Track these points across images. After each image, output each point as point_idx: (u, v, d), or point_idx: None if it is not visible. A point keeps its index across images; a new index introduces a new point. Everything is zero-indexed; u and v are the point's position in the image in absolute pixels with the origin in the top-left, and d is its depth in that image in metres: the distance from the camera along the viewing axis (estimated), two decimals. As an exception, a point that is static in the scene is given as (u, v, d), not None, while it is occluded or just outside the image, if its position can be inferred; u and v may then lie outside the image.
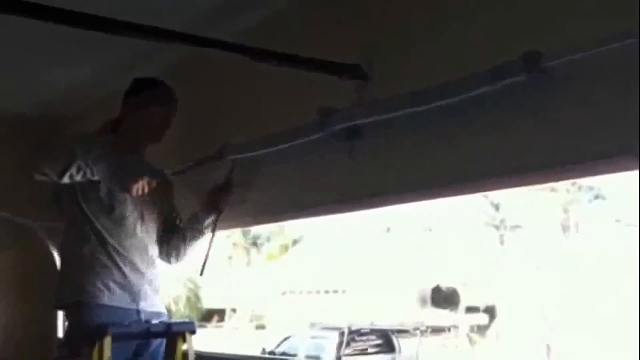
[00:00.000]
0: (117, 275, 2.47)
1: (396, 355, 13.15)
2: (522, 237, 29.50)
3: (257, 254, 31.52)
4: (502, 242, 30.61)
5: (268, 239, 31.17)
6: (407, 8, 2.19)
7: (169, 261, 2.73)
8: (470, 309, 24.79)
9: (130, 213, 2.55)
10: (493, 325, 22.81)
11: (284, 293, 28.66)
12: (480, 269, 26.43)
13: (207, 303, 28.96)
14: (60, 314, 3.84)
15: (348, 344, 12.47)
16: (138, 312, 2.50)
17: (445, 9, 2.08)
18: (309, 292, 27.78)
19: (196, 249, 2.72)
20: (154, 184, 2.36)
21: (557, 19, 1.80)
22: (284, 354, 12.66)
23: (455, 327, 20.92)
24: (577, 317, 18.11)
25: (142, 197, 2.47)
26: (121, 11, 1.93)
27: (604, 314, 16.88)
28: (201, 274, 2.63)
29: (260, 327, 26.96)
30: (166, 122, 2.61)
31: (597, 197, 28.39)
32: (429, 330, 14.98)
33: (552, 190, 25.47)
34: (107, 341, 2.32)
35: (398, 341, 13.47)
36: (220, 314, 28.66)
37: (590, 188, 27.56)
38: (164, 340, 2.55)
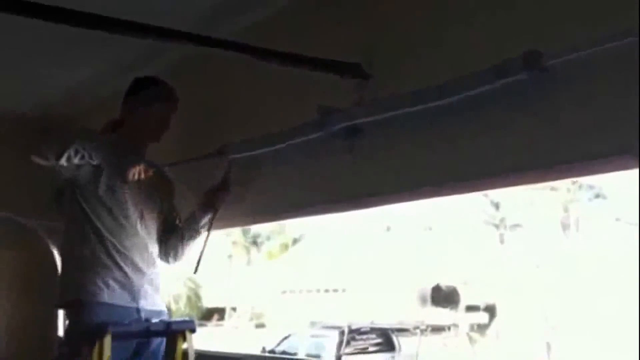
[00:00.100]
0: (117, 274, 2.47)
1: (396, 354, 13.14)
2: (522, 236, 29.49)
3: (257, 252, 31.52)
4: (502, 241, 30.60)
5: (268, 238, 31.17)
6: (407, 7, 2.19)
7: (167, 261, 2.73)
8: (471, 308, 24.78)
9: (131, 212, 2.55)
10: (493, 324, 22.82)
11: (284, 292, 28.66)
12: (481, 268, 26.43)
13: (207, 302, 28.96)
14: (61, 313, 3.85)
15: (348, 343, 12.46)
16: (138, 310, 2.50)
17: (446, 9, 2.09)
18: (309, 291, 27.78)
19: (194, 248, 2.72)
20: (150, 172, 2.40)
21: (558, 19, 1.80)
22: (284, 352, 12.65)
23: (456, 326, 20.92)
24: (577, 316, 18.11)
25: (138, 183, 2.50)
26: (121, 10, 1.93)
27: (604, 313, 16.88)
28: (195, 271, 2.64)
29: (260, 325, 26.97)
30: (167, 121, 2.62)
31: (597, 196, 28.37)
32: (429, 329, 14.97)
33: (553, 189, 25.47)
34: (107, 340, 2.32)
35: (398, 340, 13.47)
36: (220, 312, 28.67)
37: (591, 187, 27.55)
38: (164, 339, 2.55)
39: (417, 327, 12.92)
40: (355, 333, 12.79)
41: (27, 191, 3.79)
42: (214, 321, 27.45)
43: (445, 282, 26.99)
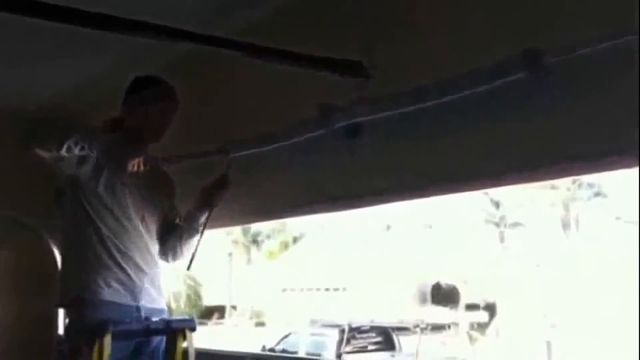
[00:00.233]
0: (118, 274, 2.47)
1: (396, 352, 13.15)
2: (523, 234, 29.51)
3: (257, 251, 31.53)
4: (502, 240, 30.62)
5: (268, 237, 31.18)
6: (408, 6, 2.19)
7: (166, 260, 2.72)
8: (470, 307, 24.79)
9: (132, 212, 2.54)
10: (493, 322, 22.83)
11: (284, 290, 28.65)
12: (481, 267, 26.43)
13: (208, 300, 28.97)
14: (61, 312, 3.85)
15: (348, 342, 12.47)
16: (138, 308, 2.50)
17: (446, 7, 2.08)
18: (309, 290, 27.78)
19: (193, 247, 2.71)
20: (149, 165, 2.41)
21: (558, 17, 1.80)
22: (284, 351, 12.65)
23: (456, 324, 20.92)
24: (577, 314, 18.12)
25: (139, 182, 2.50)
26: (120, 9, 1.93)
27: (604, 312, 16.89)
28: (188, 268, 2.64)
29: (261, 324, 26.97)
30: (167, 120, 2.59)
31: (597, 194, 28.39)
32: (429, 327, 14.98)
33: (553, 187, 25.48)
34: (107, 339, 2.32)
35: (398, 339, 13.48)
36: (220, 311, 28.68)
37: (591, 186, 27.57)
38: (164, 338, 2.55)
39: (417, 326, 12.94)
40: (355, 331, 12.80)
41: (27, 190, 3.79)
42: (214, 320, 27.45)
43: (445, 281, 27.03)
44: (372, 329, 13.40)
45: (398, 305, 22.05)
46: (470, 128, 1.99)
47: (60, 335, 3.75)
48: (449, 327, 20.84)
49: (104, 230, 2.47)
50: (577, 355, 15.85)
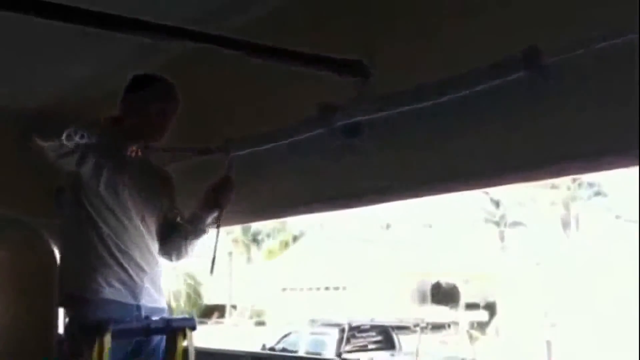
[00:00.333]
0: (118, 272, 2.46)
1: (396, 351, 13.14)
2: (523, 233, 29.52)
3: (257, 250, 31.55)
4: (502, 239, 30.64)
5: (268, 236, 31.20)
6: (408, 4, 2.19)
7: (170, 259, 2.72)
8: (470, 306, 24.80)
9: (133, 211, 2.54)
10: (493, 321, 22.84)
11: (284, 289, 28.65)
12: (481, 266, 26.43)
13: (208, 299, 28.97)
14: (61, 312, 3.85)
15: (348, 341, 12.46)
16: (138, 307, 2.49)
17: (447, 6, 2.08)
18: (309, 289, 27.77)
19: (197, 247, 2.71)
20: (146, 153, 2.46)
21: (558, 16, 1.80)
22: (284, 350, 12.64)
23: (456, 323, 20.92)
24: (577, 313, 18.12)
25: (140, 181, 2.51)
26: (120, 8, 1.92)
27: (604, 310, 16.88)
28: (211, 272, 2.62)
29: (261, 323, 26.98)
30: (167, 119, 2.58)
31: (597, 194, 28.41)
32: (429, 326, 14.97)
33: (553, 186, 25.50)
34: (107, 338, 2.32)
35: (398, 338, 13.47)
36: (220, 310, 28.69)
37: (591, 185, 27.59)
38: (165, 337, 2.55)
39: (417, 325, 12.92)
40: (355, 331, 12.79)
41: (27, 190, 3.79)
42: (214, 319, 27.46)
43: (445, 280, 27.04)
44: (372, 328, 13.40)
45: (398, 305, 22.05)
46: (470, 127, 1.99)
47: (60, 335, 3.75)
48: (449, 326, 20.83)
49: (105, 230, 2.47)
50: (577, 355, 15.85)
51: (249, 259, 30.37)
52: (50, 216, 2.98)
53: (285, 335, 13.85)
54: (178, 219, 2.72)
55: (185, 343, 2.53)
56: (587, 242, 23.79)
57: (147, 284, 2.52)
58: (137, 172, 2.58)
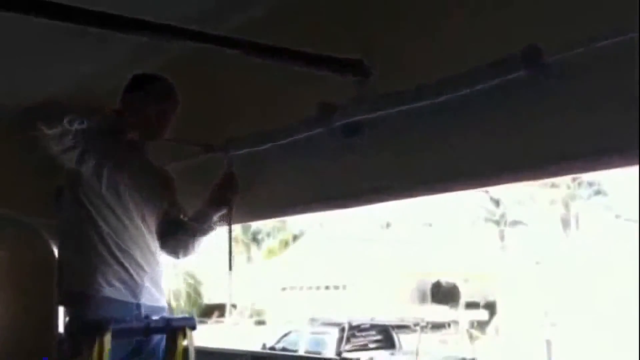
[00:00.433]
0: (119, 271, 2.46)
1: (396, 351, 13.15)
2: (522, 232, 29.54)
3: (257, 249, 31.55)
4: (502, 238, 30.65)
5: (268, 235, 31.20)
6: (408, 4, 2.19)
7: (176, 256, 2.72)
8: (470, 305, 24.81)
9: (133, 211, 2.54)
10: (493, 321, 22.84)
11: (284, 289, 28.66)
12: (481, 265, 26.44)
13: (208, 299, 28.97)
14: (61, 311, 3.85)
15: (348, 340, 12.46)
16: (138, 305, 2.49)
17: (447, 5, 2.08)
18: (309, 288, 27.78)
19: (203, 245, 2.72)
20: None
21: (558, 15, 1.80)
22: (284, 349, 12.65)
23: (456, 323, 20.94)
24: (577, 312, 18.12)
25: (140, 180, 2.53)
26: (119, 8, 1.92)
27: (604, 310, 16.89)
28: (230, 268, 2.66)
29: (261, 322, 26.99)
30: (167, 119, 2.58)
31: (597, 193, 28.43)
32: (429, 326, 14.98)
33: (553, 186, 25.51)
34: (107, 337, 2.32)
35: (398, 337, 13.48)
36: (220, 309, 28.68)
37: (591, 184, 27.61)
38: (165, 336, 2.55)
39: (417, 324, 12.93)
40: (355, 330, 12.80)
41: (27, 189, 3.79)
42: (214, 318, 27.47)
43: (445, 279, 27.04)
44: (372, 327, 13.40)
45: (398, 304, 22.06)
46: (470, 126, 1.99)
47: (61, 334, 3.75)
48: (449, 325, 20.85)
49: (105, 229, 2.47)
50: (577, 354, 15.86)
51: (249, 258, 30.37)
52: (50, 216, 2.98)
53: (286, 335, 13.85)
54: (181, 217, 2.72)
55: (185, 342, 2.53)
56: (587, 241, 23.81)
57: (147, 284, 2.52)
58: (138, 171, 2.59)
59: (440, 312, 21.68)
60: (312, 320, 14.61)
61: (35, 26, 2.21)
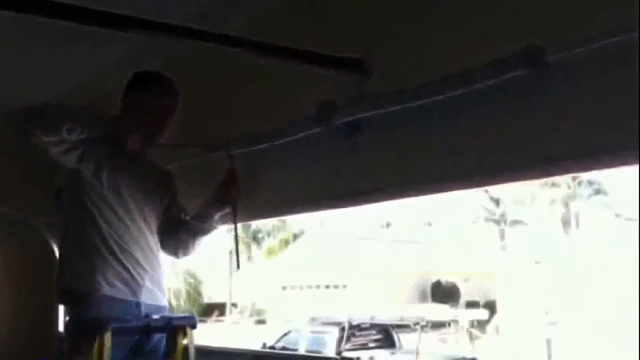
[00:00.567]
0: (118, 270, 2.46)
1: (396, 350, 13.15)
2: (523, 232, 29.56)
3: (257, 249, 31.58)
4: (502, 237, 30.68)
5: (268, 234, 31.23)
6: (408, 3, 2.19)
7: (176, 255, 2.72)
8: (470, 304, 24.83)
9: (134, 211, 2.54)
10: (493, 320, 22.86)
11: (284, 288, 28.67)
12: (481, 264, 26.45)
13: (208, 298, 28.99)
14: (62, 309, 3.85)
15: (348, 339, 12.46)
16: (138, 304, 2.49)
17: (447, 4, 2.08)
18: (309, 287, 27.80)
19: (203, 244, 2.72)
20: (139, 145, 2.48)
21: (558, 13, 1.80)
22: (284, 348, 12.65)
23: (456, 322, 20.95)
24: (577, 311, 18.13)
25: (141, 179, 2.52)
26: (120, 6, 1.92)
27: (604, 309, 16.89)
28: (238, 267, 2.66)
29: (261, 322, 27.00)
30: (168, 117, 2.58)
31: (597, 192, 28.45)
32: (429, 325, 14.98)
33: (553, 185, 25.53)
34: (108, 336, 2.32)
35: (398, 336, 13.48)
36: (220, 308, 28.71)
37: (591, 183, 27.62)
38: (165, 335, 2.55)
39: (417, 323, 12.92)
40: (355, 329, 12.80)
41: (26, 188, 3.79)
42: (214, 317, 27.49)
43: (445, 278, 27.06)
44: (372, 326, 13.40)
45: (398, 303, 22.07)
46: (471, 125, 1.99)
47: (60, 333, 3.75)
48: (449, 324, 20.87)
49: (106, 229, 2.46)
50: (577, 353, 15.86)
51: (249, 258, 30.39)
52: (50, 215, 2.98)
53: (286, 334, 13.86)
54: (182, 216, 2.72)
55: (185, 341, 2.53)
56: (587, 240, 23.81)
57: (147, 283, 2.52)
58: (138, 170, 2.58)
59: (440, 311, 21.70)
60: (312, 319, 14.61)
61: (35, 26, 2.21)
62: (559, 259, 22.33)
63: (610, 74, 1.69)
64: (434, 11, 2.11)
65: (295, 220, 28.00)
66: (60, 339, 2.89)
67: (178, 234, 2.68)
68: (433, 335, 17.25)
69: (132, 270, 2.47)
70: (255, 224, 26.18)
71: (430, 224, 32.36)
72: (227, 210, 2.66)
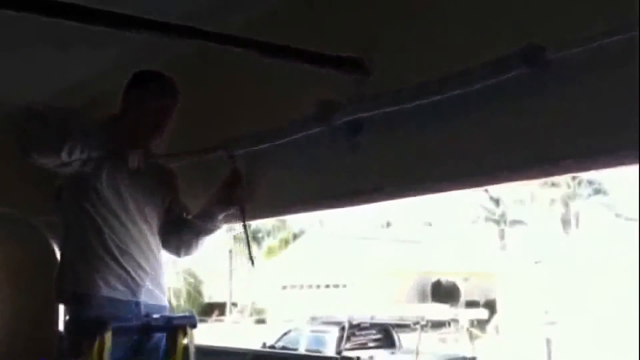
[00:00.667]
0: (118, 272, 2.46)
1: (396, 349, 13.15)
2: (522, 231, 29.55)
3: (257, 248, 31.56)
4: (502, 237, 30.67)
5: (268, 234, 31.22)
6: (408, 2, 2.19)
7: (178, 255, 2.72)
8: (470, 304, 24.83)
9: (134, 211, 2.54)
10: (493, 319, 22.86)
11: (284, 287, 28.66)
12: (481, 264, 26.45)
13: (208, 297, 28.98)
14: (62, 309, 3.85)
15: (348, 339, 12.46)
16: (137, 304, 2.49)
17: (447, 3, 2.08)
18: (310, 287, 27.79)
19: (206, 244, 2.72)
20: (146, 160, 2.46)
21: (558, 12, 1.80)
22: (284, 348, 12.66)
23: (456, 321, 20.94)
24: (577, 311, 18.13)
25: (141, 179, 2.51)
26: (120, 6, 1.92)
27: (604, 309, 16.90)
28: (252, 264, 2.73)
29: (261, 321, 27.00)
30: (168, 116, 2.57)
31: (597, 192, 28.44)
32: (429, 324, 14.98)
33: (553, 185, 25.52)
34: (108, 336, 2.33)
35: (398, 336, 13.49)
36: (220, 308, 28.70)
37: (591, 183, 27.62)
38: (165, 334, 2.55)
39: (417, 323, 12.92)
40: (355, 329, 12.80)
41: (27, 187, 3.78)
42: (214, 317, 27.49)
43: (445, 278, 27.06)
44: (372, 325, 13.40)
45: (398, 302, 22.07)
46: (471, 124, 1.99)
47: (61, 333, 3.75)
48: (449, 324, 20.86)
49: (105, 229, 2.46)
50: (577, 353, 15.86)
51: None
52: (50, 214, 2.98)
53: (286, 333, 13.86)
54: (184, 216, 2.72)
55: (185, 341, 2.53)
56: (586, 240, 23.81)
57: (147, 283, 2.52)
58: (138, 170, 2.58)
59: (440, 311, 21.68)
60: (312, 318, 14.61)
61: (35, 25, 2.21)
62: (558, 258, 22.34)
63: (610, 73, 1.69)
64: (433, 11, 2.11)
65: (295, 220, 27.98)
66: (60, 339, 2.89)
67: (180, 233, 2.68)
68: (433, 335, 17.26)
69: (132, 272, 2.47)
70: (255, 223, 26.17)
71: (430, 224, 32.35)
72: (232, 210, 2.66)
